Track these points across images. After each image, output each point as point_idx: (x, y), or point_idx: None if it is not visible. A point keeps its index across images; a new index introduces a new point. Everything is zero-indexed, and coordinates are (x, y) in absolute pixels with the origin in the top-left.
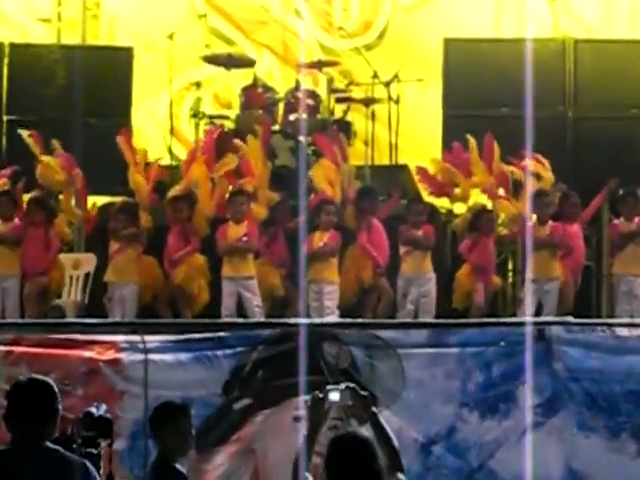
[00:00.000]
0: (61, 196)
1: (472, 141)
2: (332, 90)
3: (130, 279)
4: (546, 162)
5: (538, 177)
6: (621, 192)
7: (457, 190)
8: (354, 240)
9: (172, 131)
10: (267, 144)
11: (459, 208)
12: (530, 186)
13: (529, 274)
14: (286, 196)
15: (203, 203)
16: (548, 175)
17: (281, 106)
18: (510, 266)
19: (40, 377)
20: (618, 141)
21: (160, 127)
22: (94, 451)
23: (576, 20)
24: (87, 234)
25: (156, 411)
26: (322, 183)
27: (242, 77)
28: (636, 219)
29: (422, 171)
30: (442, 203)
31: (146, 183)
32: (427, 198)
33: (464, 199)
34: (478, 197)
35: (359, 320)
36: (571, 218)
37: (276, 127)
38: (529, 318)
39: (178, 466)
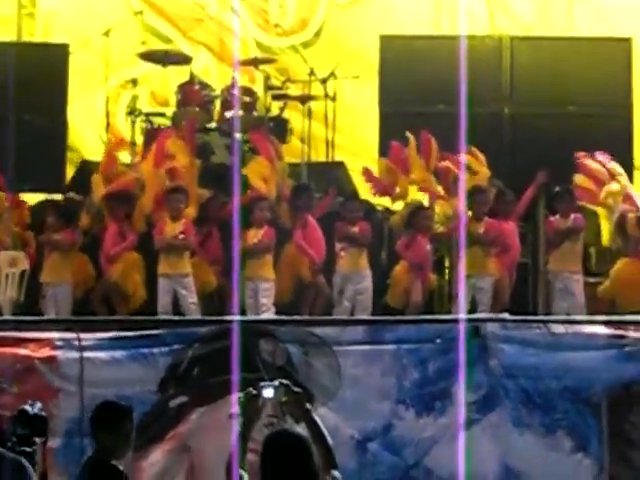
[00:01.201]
0: None
1: (411, 139)
2: (268, 87)
3: (64, 278)
4: (482, 157)
5: (474, 173)
6: (557, 189)
7: (397, 188)
8: (290, 237)
9: (108, 129)
10: (192, 142)
11: (396, 205)
12: (463, 183)
13: (462, 271)
14: (219, 193)
15: (148, 201)
16: (484, 171)
17: (218, 103)
18: (447, 263)
19: None
20: (554, 138)
21: (96, 124)
22: (28, 449)
23: (512, 17)
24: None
25: (98, 411)
26: (256, 180)
27: (178, 74)
28: (572, 216)
29: (367, 172)
30: (379, 200)
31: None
32: (366, 196)
33: (403, 197)
34: (416, 194)
35: (295, 317)
36: (506, 215)
37: (213, 124)
38: (464, 315)
39: (115, 463)
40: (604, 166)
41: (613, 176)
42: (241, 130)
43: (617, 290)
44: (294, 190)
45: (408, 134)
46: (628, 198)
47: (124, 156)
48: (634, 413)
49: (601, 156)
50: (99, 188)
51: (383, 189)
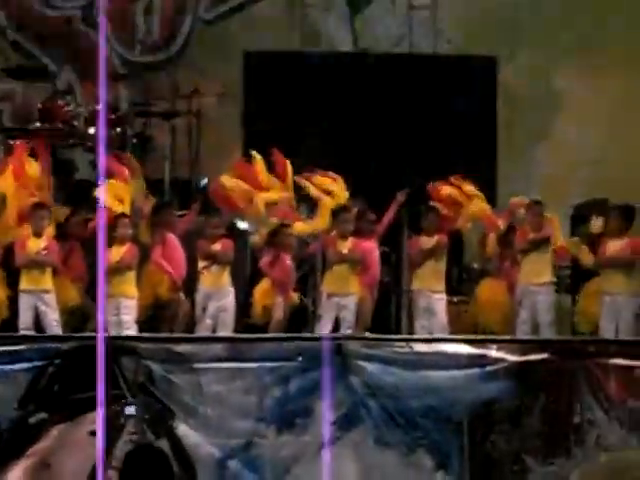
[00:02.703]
0: None
1: (257, 156)
2: (133, 103)
3: None
4: (339, 178)
5: (331, 194)
6: (421, 208)
7: (252, 206)
8: (150, 255)
9: None
10: (47, 159)
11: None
12: (328, 203)
13: (326, 289)
14: (82, 210)
15: (10, 216)
16: (342, 192)
17: (82, 120)
18: (310, 282)
19: None
20: (418, 156)
21: None
22: None
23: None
24: None
25: None
26: (112, 203)
27: (42, 90)
28: (435, 235)
29: (219, 187)
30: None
31: None
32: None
33: (259, 215)
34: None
35: (157, 335)
36: (367, 234)
37: (76, 141)
38: (327, 333)
39: None
40: (460, 188)
41: (471, 198)
42: (105, 146)
43: (479, 310)
44: (154, 208)
45: (254, 153)
46: (487, 218)
47: None
48: (494, 432)
49: (456, 180)
50: None
51: (234, 205)
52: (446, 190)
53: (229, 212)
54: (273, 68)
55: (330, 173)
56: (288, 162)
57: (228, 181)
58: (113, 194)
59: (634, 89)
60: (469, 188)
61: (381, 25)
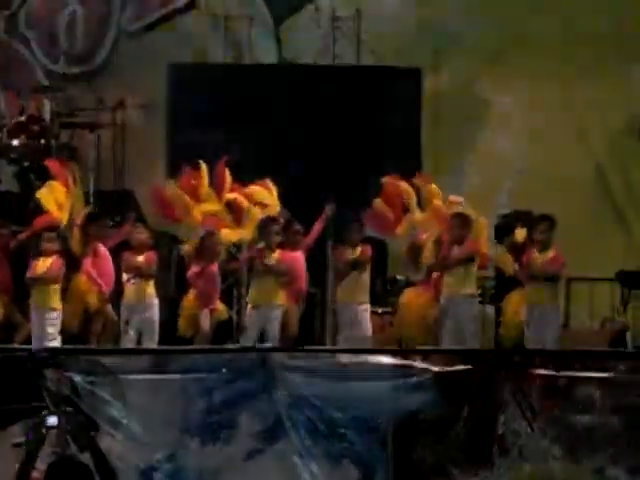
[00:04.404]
0: None
1: (203, 167)
2: (57, 115)
3: None
4: (273, 189)
5: (263, 205)
6: (348, 220)
7: (189, 216)
8: (80, 266)
9: None
10: None
11: (188, 233)
12: (257, 213)
13: (251, 300)
14: (5, 222)
15: None
16: (274, 202)
17: (5, 131)
18: (235, 293)
19: None
20: (343, 167)
21: None
22: None
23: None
24: None
25: None
26: (51, 205)
27: None
28: (359, 247)
29: (157, 194)
30: (169, 228)
31: None
32: (154, 224)
33: (195, 225)
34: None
35: (80, 347)
36: (294, 245)
37: None
38: (251, 345)
39: None
40: (418, 189)
41: (434, 197)
42: (29, 158)
43: (403, 320)
44: (86, 218)
45: (200, 162)
46: (444, 221)
47: None
48: (419, 443)
49: (420, 178)
50: None
51: (171, 214)
52: (398, 188)
53: (165, 220)
54: (197, 80)
55: (267, 182)
56: (228, 174)
57: (171, 189)
58: (54, 198)
59: (559, 99)
60: (432, 188)
61: (305, 36)
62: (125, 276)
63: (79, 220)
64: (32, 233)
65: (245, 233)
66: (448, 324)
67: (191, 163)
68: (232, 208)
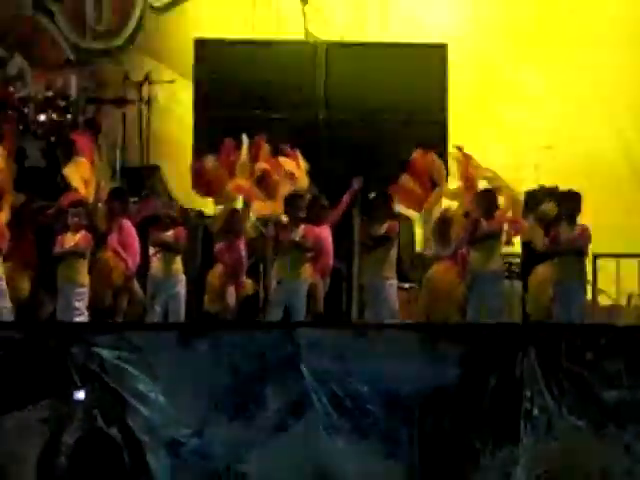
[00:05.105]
0: None
1: (245, 142)
2: (83, 90)
3: None
4: (303, 164)
5: (292, 177)
6: (372, 195)
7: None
8: (105, 241)
9: None
10: (12, 145)
11: (213, 209)
12: (285, 188)
13: (276, 275)
14: (34, 197)
15: None
16: (303, 177)
17: (32, 106)
18: (261, 268)
19: None
20: (369, 144)
21: None
22: None
23: (327, 23)
24: None
25: None
26: (77, 181)
27: None
28: (386, 222)
29: (196, 168)
30: (197, 204)
31: None
32: (182, 200)
33: (229, 199)
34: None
35: (108, 322)
36: (320, 220)
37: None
38: (278, 320)
39: None
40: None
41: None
42: (55, 134)
43: (430, 296)
44: (110, 194)
45: (244, 136)
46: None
47: None
48: (445, 419)
49: (464, 155)
50: None
51: (208, 189)
52: (425, 164)
53: (199, 194)
54: (224, 56)
55: (297, 155)
56: (267, 149)
57: (210, 163)
58: (80, 175)
59: (585, 75)
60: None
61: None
62: (151, 250)
63: (104, 196)
64: (58, 210)
65: (277, 207)
66: (473, 300)
67: (215, 139)
68: (264, 182)
